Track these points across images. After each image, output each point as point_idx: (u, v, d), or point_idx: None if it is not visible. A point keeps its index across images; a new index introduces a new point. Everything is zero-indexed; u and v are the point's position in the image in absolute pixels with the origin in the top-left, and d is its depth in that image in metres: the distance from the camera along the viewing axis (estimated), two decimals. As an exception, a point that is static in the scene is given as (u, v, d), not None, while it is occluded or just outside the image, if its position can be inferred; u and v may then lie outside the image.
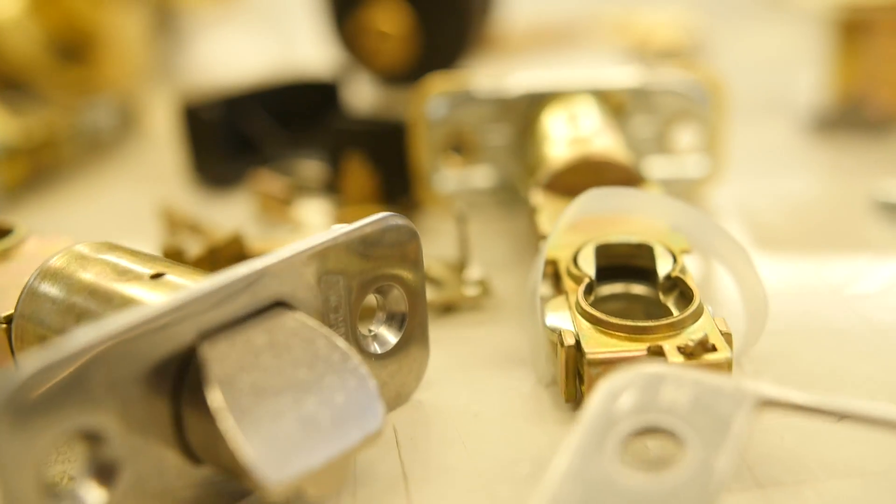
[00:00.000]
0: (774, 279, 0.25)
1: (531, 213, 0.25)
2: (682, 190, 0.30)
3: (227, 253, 0.25)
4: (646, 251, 0.22)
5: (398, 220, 0.19)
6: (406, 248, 0.20)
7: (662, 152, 0.30)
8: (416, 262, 0.20)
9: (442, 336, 0.23)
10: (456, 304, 0.24)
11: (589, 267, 0.21)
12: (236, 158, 0.35)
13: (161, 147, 0.39)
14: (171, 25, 0.58)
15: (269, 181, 0.30)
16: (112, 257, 0.20)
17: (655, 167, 0.30)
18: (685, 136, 0.31)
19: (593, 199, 0.22)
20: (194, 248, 0.26)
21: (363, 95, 0.46)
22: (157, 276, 0.18)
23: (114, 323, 0.15)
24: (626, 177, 0.25)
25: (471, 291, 0.24)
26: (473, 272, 0.25)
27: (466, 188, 0.31)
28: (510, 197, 0.31)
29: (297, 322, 0.17)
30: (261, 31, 0.66)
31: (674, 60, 0.52)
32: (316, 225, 0.27)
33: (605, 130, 0.27)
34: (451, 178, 0.31)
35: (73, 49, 0.47)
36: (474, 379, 0.21)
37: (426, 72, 0.46)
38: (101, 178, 0.37)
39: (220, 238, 0.25)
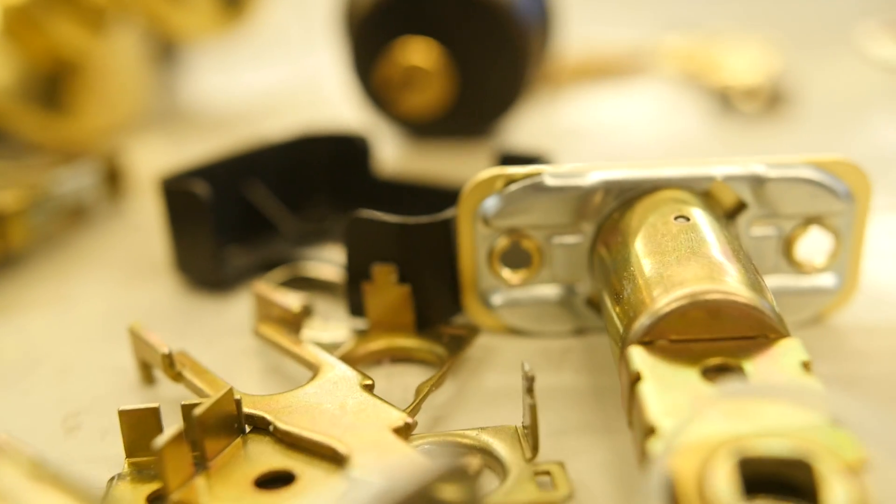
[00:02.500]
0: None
1: (629, 381, 0.18)
2: (808, 312, 0.24)
3: (213, 417, 0.19)
4: (805, 468, 0.16)
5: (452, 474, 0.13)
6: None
7: (783, 264, 0.24)
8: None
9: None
10: (524, 508, 0.18)
11: (729, 497, 0.15)
12: (233, 251, 0.29)
13: (150, 222, 0.33)
14: (172, 59, 0.52)
15: (271, 298, 0.24)
16: (33, 493, 0.14)
17: (772, 280, 0.24)
18: (810, 243, 0.24)
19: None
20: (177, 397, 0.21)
21: (394, 155, 0.40)
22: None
23: None
24: (757, 324, 0.19)
25: (542, 488, 0.18)
26: (543, 455, 0.19)
27: (527, 302, 0.25)
28: (585, 315, 0.24)
29: None
30: (274, 60, 0.61)
31: (755, 100, 0.46)
32: (331, 368, 0.21)
33: (722, 251, 0.21)
34: (507, 291, 0.24)
35: (55, 90, 0.41)
36: None
37: (468, 117, 0.41)
38: (70, 268, 0.31)
39: (204, 404, 0.19)
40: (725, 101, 0.47)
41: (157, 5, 0.38)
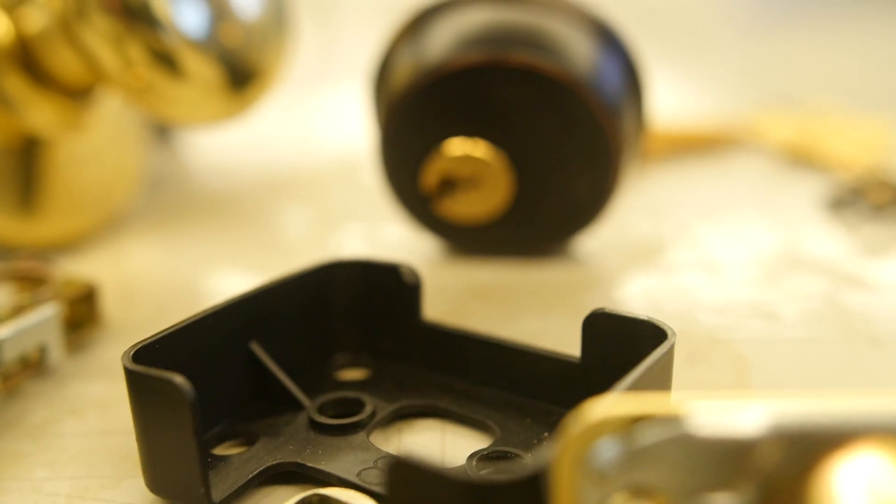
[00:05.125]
0: None
1: None
2: None
3: None
4: None
5: None
6: None
7: None
8: None
9: None
10: None
11: None
12: (228, 448, 0.22)
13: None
14: (167, 133, 0.46)
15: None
16: None
17: None
18: None
19: None
20: None
21: (431, 274, 0.33)
22: None
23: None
24: None
25: None
26: None
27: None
28: None
29: None
30: (289, 130, 0.54)
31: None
32: None
33: None
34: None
35: (25, 180, 0.35)
36: None
37: (534, 228, 0.34)
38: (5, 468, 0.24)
39: None
40: (847, 191, 0.40)
41: (147, 95, 0.31)
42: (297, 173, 0.47)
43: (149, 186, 0.42)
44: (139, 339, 0.21)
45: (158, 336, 0.22)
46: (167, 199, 0.42)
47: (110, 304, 0.31)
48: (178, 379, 0.20)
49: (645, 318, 0.22)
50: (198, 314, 0.23)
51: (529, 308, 0.31)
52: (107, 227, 0.38)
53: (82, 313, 0.29)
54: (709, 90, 0.62)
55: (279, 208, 0.42)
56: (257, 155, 0.50)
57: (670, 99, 0.48)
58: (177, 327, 0.23)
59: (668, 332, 0.22)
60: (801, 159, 0.46)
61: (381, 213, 0.39)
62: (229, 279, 0.34)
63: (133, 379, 0.21)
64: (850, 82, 0.63)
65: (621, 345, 0.23)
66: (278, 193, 0.44)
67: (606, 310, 0.23)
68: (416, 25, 0.34)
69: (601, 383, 0.23)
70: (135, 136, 0.40)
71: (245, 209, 0.42)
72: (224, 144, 0.49)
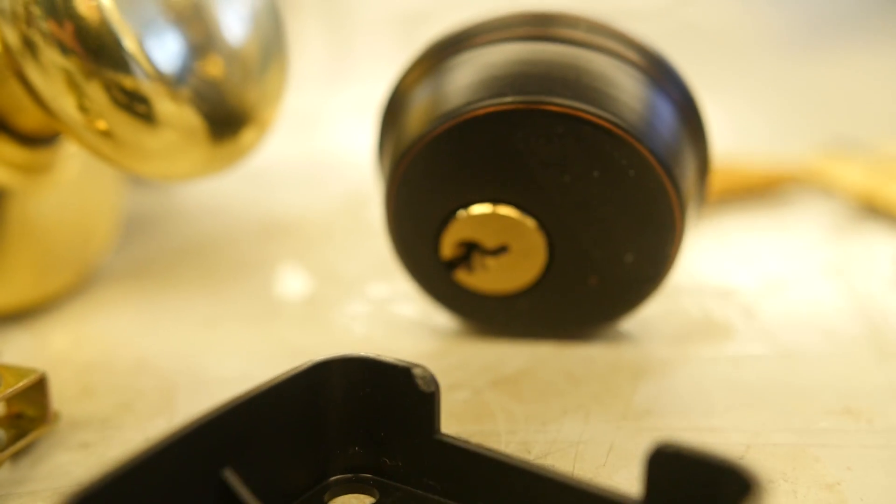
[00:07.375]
0: None
1: None
2: None
3: None
4: None
5: None
6: None
7: None
8: None
9: None
10: None
11: None
12: None
13: None
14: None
15: None
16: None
17: None
18: None
19: None
20: None
21: (439, 361, 0.29)
22: None
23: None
24: None
25: None
26: None
27: None
28: None
29: None
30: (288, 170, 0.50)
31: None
32: None
33: None
34: None
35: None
36: None
37: (571, 306, 0.29)
38: None
39: None
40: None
41: (113, 147, 0.26)
42: (300, 213, 0.43)
43: (127, 236, 0.38)
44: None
45: (107, 478, 0.18)
46: (148, 251, 0.38)
47: (67, 391, 0.27)
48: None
49: (729, 462, 0.18)
50: (158, 442, 0.19)
51: (567, 405, 0.26)
52: (74, 289, 0.33)
53: (27, 410, 0.24)
54: (752, 119, 0.57)
55: (275, 263, 0.37)
56: (256, 189, 0.46)
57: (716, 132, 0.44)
58: (132, 464, 0.18)
59: (755, 485, 0.17)
60: (874, 207, 0.41)
61: (388, 272, 0.34)
62: (211, 361, 0.30)
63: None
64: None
65: (694, 490, 0.19)
66: (276, 243, 0.40)
67: (676, 447, 0.19)
68: (434, 60, 0.30)
69: (667, 536, 0.19)
70: (109, 175, 0.36)
71: (238, 265, 0.37)
72: (220, 179, 0.45)
